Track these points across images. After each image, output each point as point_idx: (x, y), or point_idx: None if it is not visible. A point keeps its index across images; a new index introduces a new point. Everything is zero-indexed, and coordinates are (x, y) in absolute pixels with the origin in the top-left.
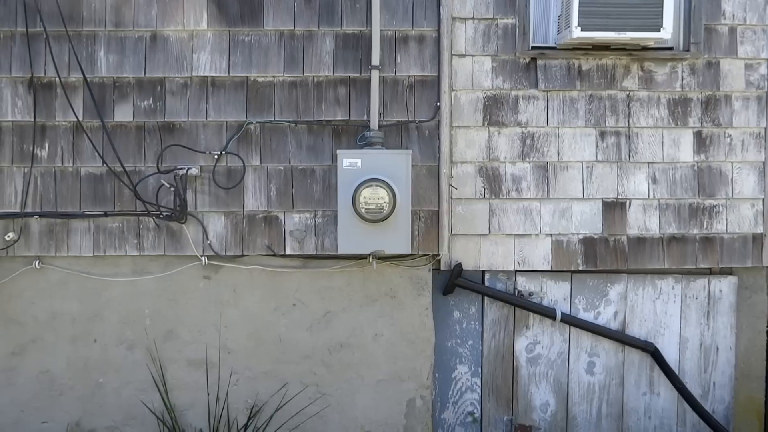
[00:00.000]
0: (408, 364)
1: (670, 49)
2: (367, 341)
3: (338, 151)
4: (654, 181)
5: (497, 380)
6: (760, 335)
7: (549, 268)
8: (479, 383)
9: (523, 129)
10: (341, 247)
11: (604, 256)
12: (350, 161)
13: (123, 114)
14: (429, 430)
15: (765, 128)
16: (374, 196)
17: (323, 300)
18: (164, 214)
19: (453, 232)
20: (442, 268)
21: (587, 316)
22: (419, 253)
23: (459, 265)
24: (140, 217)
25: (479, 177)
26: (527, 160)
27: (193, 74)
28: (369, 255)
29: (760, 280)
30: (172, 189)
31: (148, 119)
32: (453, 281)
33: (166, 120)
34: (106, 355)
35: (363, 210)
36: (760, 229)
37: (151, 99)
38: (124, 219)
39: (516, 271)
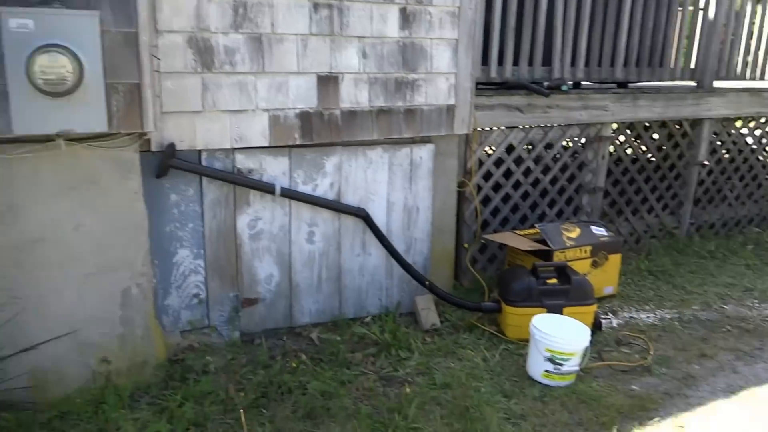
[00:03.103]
0: (120, 254)
1: None
2: (67, 234)
3: (1, 9)
4: (364, 55)
5: (221, 260)
6: (451, 195)
7: (267, 144)
8: (203, 265)
9: None
10: (17, 127)
11: (320, 129)
12: (19, 22)
13: None
14: (150, 318)
15: (458, 7)
16: (54, 64)
17: (4, 192)
18: None
19: (164, 110)
20: (154, 148)
21: (306, 188)
22: (121, 132)
23: (172, 145)
24: None
25: (189, 49)
26: (240, 31)
27: None
28: (57, 135)
29: (452, 146)
30: None
31: None
32: (166, 162)
33: None
34: None
35: (40, 81)
36: (452, 101)
37: None
38: None
39: (234, 149)
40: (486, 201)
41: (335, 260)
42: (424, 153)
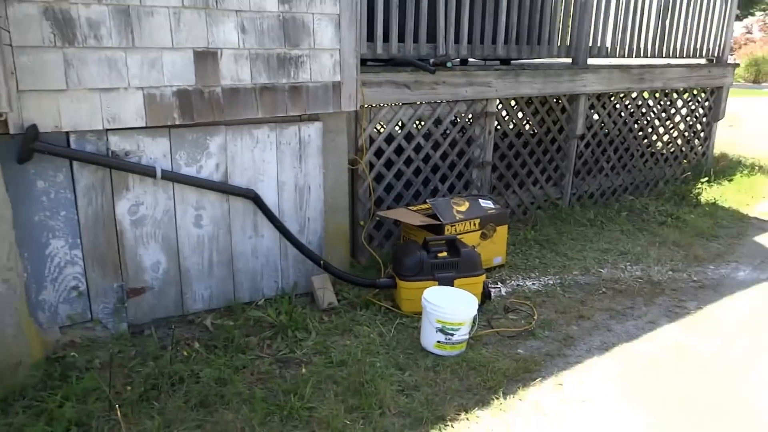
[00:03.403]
0: None
1: None
2: None
3: None
4: (243, 30)
5: (101, 249)
6: (343, 173)
7: (144, 125)
8: (80, 255)
9: None
10: None
11: (201, 108)
12: None
13: None
14: (21, 315)
15: None
16: None
17: None
18: None
19: (21, 88)
20: (12, 131)
21: (190, 170)
22: None
23: (33, 127)
24: None
25: (46, 21)
26: (104, 2)
27: None
28: None
29: (341, 123)
30: None
31: None
32: (28, 146)
33: None
34: None
35: None
36: (338, 78)
37: None
38: None
39: (107, 130)
40: (379, 178)
41: (226, 244)
42: (312, 131)
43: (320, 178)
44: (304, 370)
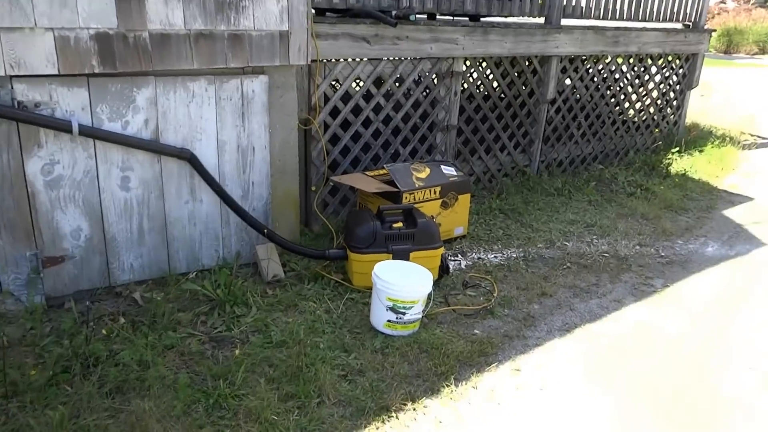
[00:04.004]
0: None
1: None
2: None
3: None
4: None
5: (9, 212)
6: (292, 132)
7: (57, 72)
8: None
9: None
10: None
11: (125, 56)
12: None
13: None
14: None
15: None
16: None
17: None
18: None
19: None
20: None
21: (114, 126)
22: None
23: None
24: None
25: None
26: None
27: None
28: None
29: (289, 78)
30: None
31: None
32: None
33: None
34: None
35: None
36: (285, 27)
37: None
38: None
39: (11, 77)
40: (335, 140)
41: (159, 209)
42: (256, 86)
43: (266, 138)
44: (237, 351)
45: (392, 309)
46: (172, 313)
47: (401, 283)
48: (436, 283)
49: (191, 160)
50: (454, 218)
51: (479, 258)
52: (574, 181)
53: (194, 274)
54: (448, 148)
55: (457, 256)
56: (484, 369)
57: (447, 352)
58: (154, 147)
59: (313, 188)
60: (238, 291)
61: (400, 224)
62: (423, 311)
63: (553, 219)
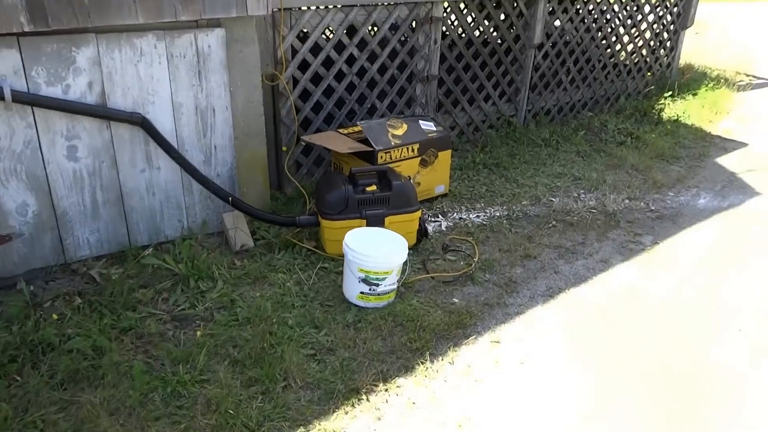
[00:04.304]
0: None
1: None
2: None
3: None
4: None
5: None
6: (256, 90)
7: None
8: None
9: None
10: None
11: (57, 11)
12: None
13: None
14: None
15: None
16: None
17: None
18: None
19: None
20: None
21: (54, 91)
22: None
23: None
24: None
25: None
26: None
27: None
28: None
29: (249, 30)
30: None
31: None
32: None
33: None
34: None
35: None
36: None
37: None
38: None
39: None
40: (306, 96)
41: (112, 179)
42: (212, 40)
43: (227, 97)
44: (199, 333)
45: (365, 281)
46: (132, 290)
47: (373, 254)
48: (414, 248)
49: (144, 125)
50: (434, 177)
51: (461, 218)
52: (563, 130)
53: (156, 247)
54: (429, 100)
55: (438, 217)
56: (461, 342)
57: (423, 325)
58: (101, 112)
59: (284, 149)
60: (202, 264)
61: (373, 187)
62: (399, 280)
63: (539, 173)
